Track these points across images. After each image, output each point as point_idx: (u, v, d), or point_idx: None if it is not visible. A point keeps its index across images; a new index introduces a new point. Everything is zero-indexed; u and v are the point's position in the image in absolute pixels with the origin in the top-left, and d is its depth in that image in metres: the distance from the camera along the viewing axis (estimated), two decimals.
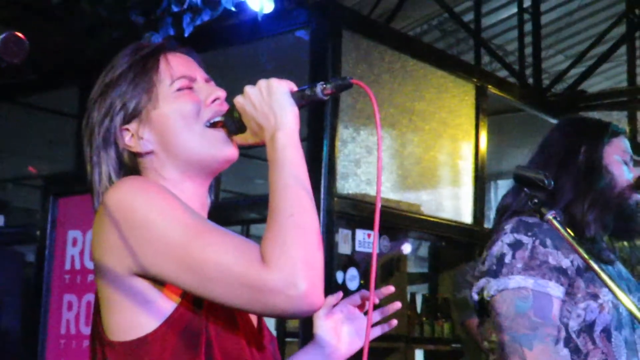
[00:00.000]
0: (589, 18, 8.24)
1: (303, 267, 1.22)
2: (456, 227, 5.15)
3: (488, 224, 5.85)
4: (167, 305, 1.33)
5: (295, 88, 1.39)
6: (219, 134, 1.44)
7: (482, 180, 5.35)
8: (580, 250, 1.71)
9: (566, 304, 2.08)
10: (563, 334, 2.07)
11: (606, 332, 2.08)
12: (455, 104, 5.24)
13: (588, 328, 2.07)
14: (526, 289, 2.04)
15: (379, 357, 4.84)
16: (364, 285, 4.57)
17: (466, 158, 5.29)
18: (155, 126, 1.44)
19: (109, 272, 1.32)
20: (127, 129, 1.45)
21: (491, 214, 8.17)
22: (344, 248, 4.32)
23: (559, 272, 2.07)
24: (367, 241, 4.51)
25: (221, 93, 1.47)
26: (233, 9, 4.29)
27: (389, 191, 4.70)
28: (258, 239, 1.33)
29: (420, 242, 6.00)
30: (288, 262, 1.22)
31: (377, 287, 4.58)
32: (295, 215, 1.26)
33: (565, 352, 2.07)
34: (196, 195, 1.46)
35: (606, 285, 1.68)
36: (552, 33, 8.03)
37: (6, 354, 5.19)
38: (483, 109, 5.37)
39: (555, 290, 2.06)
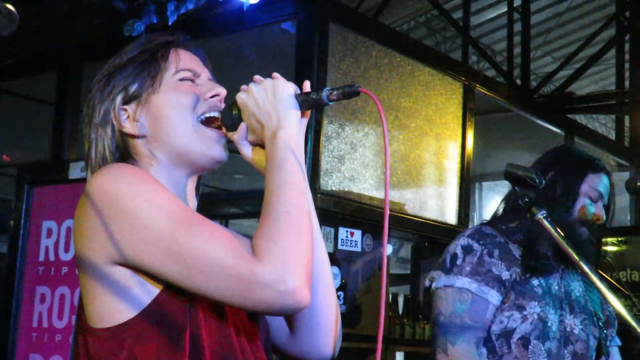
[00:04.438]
0: (579, 20, 8.21)
1: (295, 265, 1.23)
2: (440, 227, 5.07)
3: (472, 225, 5.76)
4: (146, 294, 1.31)
5: (299, 90, 1.41)
6: (212, 132, 1.45)
7: (467, 181, 5.27)
8: (570, 250, 1.70)
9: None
10: (484, 334, 2.32)
11: (523, 340, 2.29)
12: (442, 102, 5.16)
13: (507, 334, 2.30)
14: (468, 292, 2.29)
15: (359, 358, 4.74)
16: (345, 284, 4.48)
17: (452, 157, 5.21)
18: (152, 111, 1.45)
19: (90, 259, 1.31)
20: (125, 109, 1.46)
21: (475, 215, 8.10)
22: (325, 246, 4.24)
23: (500, 282, 2.30)
24: (350, 239, 4.42)
25: (222, 90, 1.49)
26: None
27: (372, 189, 4.61)
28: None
29: (402, 243, 5.91)
30: (280, 258, 1.22)
31: (357, 286, 4.41)
32: (291, 214, 1.28)
33: (483, 350, 2.31)
34: (185, 187, 1.46)
35: (595, 286, 1.66)
36: (541, 34, 7.97)
37: None
38: (470, 108, 5.29)
39: (495, 298, 2.30)
